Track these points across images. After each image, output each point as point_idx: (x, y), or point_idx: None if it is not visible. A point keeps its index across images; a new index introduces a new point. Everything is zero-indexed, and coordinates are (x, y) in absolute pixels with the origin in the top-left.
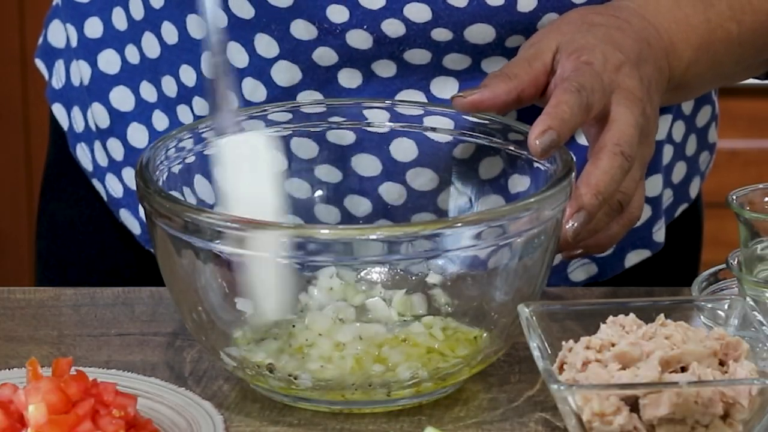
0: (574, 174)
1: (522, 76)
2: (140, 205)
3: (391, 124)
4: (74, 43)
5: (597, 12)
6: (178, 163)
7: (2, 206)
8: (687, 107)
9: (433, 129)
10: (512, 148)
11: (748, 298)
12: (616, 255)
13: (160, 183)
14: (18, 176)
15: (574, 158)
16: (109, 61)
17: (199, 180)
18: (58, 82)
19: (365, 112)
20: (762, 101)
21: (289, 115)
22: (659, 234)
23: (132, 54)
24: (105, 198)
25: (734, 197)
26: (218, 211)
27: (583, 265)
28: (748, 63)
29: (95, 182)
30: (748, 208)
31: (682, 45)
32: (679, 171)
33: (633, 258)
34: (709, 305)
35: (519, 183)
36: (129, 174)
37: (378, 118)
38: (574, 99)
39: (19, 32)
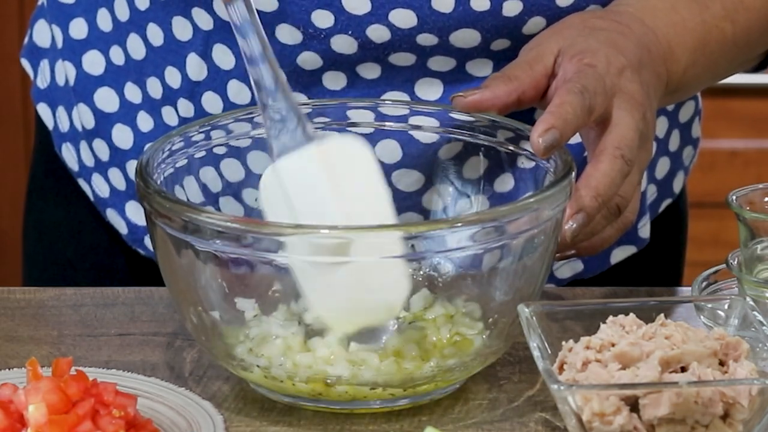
0: (574, 174)
1: (523, 78)
2: (127, 205)
3: (377, 124)
4: (59, 43)
5: (598, 16)
6: (172, 166)
7: (2, 206)
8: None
9: (419, 127)
10: (498, 145)
11: (748, 298)
12: (601, 252)
13: (159, 183)
14: (18, 176)
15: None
16: (93, 62)
17: (188, 181)
18: (43, 81)
19: (350, 112)
20: (762, 101)
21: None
22: (644, 230)
23: (117, 55)
24: (91, 198)
25: (734, 197)
26: (218, 211)
27: (569, 262)
28: (742, 60)
29: (81, 182)
30: (748, 208)
31: (679, 49)
32: (663, 166)
33: (618, 254)
34: (709, 305)
35: (504, 182)
36: (115, 174)
37: (363, 119)
38: (577, 100)
39: (19, 32)
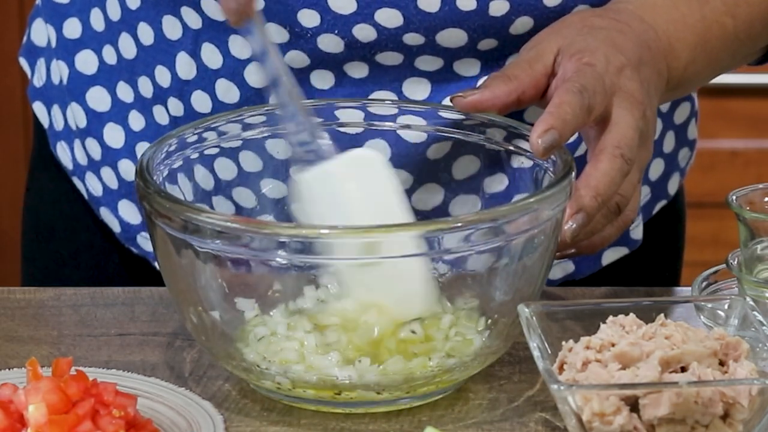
0: (573, 174)
1: (522, 78)
2: (119, 204)
3: (365, 123)
4: (54, 43)
5: (597, 15)
6: (168, 167)
7: (2, 206)
8: (664, 105)
9: (408, 126)
10: (491, 144)
11: (748, 298)
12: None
13: (159, 182)
14: (18, 176)
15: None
16: (86, 62)
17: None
18: (39, 80)
19: (338, 112)
20: (762, 101)
21: (263, 118)
22: (637, 231)
23: (109, 54)
24: (85, 196)
25: (734, 197)
26: (218, 211)
27: (560, 262)
28: (744, 54)
29: (76, 180)
30: (748, 208)
31: (679, 45)
32: (657, 168)
33: (610, 255)
34: (709, 305)
35: (497, 181)
36: (108, 173)
37: (351, 118)
38: (576, 100)
39: (19, 32)
